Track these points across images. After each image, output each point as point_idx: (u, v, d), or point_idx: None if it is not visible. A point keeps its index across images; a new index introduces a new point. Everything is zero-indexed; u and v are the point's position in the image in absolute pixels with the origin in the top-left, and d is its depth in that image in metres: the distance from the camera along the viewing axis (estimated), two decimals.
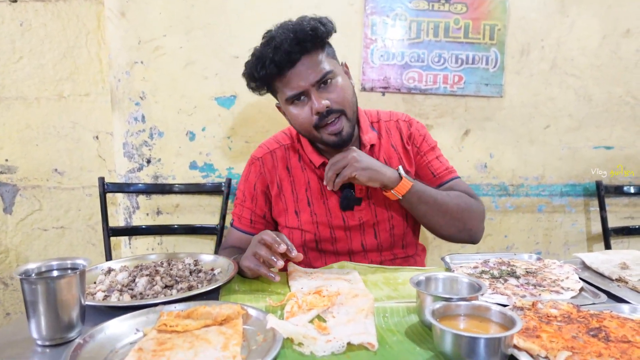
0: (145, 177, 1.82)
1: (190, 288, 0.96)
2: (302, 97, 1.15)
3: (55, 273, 0.83)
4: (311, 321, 0.82)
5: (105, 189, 1.73)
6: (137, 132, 1.79)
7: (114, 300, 0.91)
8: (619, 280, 1.03)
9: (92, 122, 1.90)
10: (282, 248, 0.98)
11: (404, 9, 1.81)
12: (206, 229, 1.82)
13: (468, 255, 1.21)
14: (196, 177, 1.84)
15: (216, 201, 1.86)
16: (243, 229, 1.34)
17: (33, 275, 0.81)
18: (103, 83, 1.88)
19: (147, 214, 1.85)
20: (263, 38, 1.17)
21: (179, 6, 1.73)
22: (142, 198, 1.84)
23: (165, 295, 0.93)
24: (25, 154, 1.89)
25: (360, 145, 1.28)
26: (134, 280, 0.99)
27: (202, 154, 1.83)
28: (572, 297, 0.93)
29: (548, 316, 0.80)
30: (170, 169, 1.83)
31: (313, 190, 1.29)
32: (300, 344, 0.74)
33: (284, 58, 1.10)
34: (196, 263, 1.13)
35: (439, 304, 0.75)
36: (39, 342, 0.76)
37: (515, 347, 0.69)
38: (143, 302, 0.88)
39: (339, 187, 1.14)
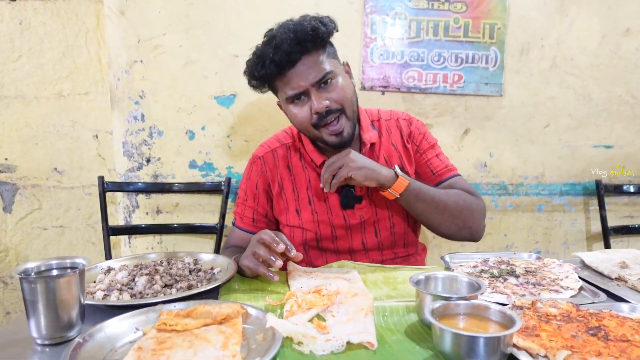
0: (144, 176, 1.82)
1: (189, 287, 0.96)
2: (302, 97, 1.16)
3: (54, 272, 0.83)
4: (311, 320, 0.82)
5: (105, 188, 1.73)
6: (136, 131, 1.79)
7: (114, 299, 0.91)
8: (619, 279, 1.03)
9: (92, 121, 1.90)
10: (281, 247, 0.98)
11: (403, 8, 1.81)
12: (206, 228, 1.82)
13: (468, 255, 1.21)
14: (196, 176, 1.84)
15: (216, 200, 1.86)
16: (245, 228, 1.34)
17: (32, 274, 0.81)
18: (102, 82, 1.88)
19: (147, 213, 1.85)
20: (264, 37, 1.17)
21: (178, 5, 1.73)
22: (141, 197, 1.84)
23: (164, 295, 0.93)
24: (24, 153, 1.89)
25: (361, 144, 1.28)
26: (134, 279, 0.99)
27: (202, 153, 1.83)
28: (572, 296, 0.93)
29: (547, 315, 0.80)
30: (170, 168, 1.83)
31: (314, 189, 1.29)
32: (299, 343, 0.74)
33: (284, 58, 1.10)
34: (196, 262, 1.13)
35: (438, 303, 0.75)
36: (39, 341, 0.76)
37: (514, 346, 0.69)
38: (143, 301, 0.88)
39: (335, 188, 1.14)
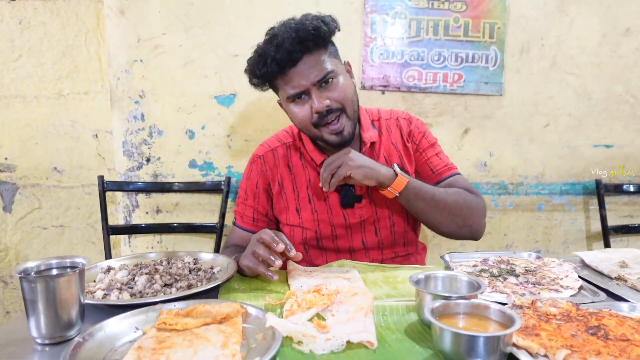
0: (144, 175, 1.82)
1: (189, 286, 0.96)
2: (302, 96, 1.16)
3: (54, 271, 0.83)
4: (310, 320, 0.82)
5: (105, 187, 1.73)
6: (136, 131, 1.79)
7: (114, 298, 0.91)
8: (618, 278, 1.03)
9: (92, 120, 1.90)
10: (281, 247, 0.98)
11: (403, 7, 1.80)
12: (206, 227, 1.82)
13: (467, 254, 1.21)
14: (196, 176, 1.84)
15: (216, 199, 1.86)
16: (245, 227, 1.34)
17: (32, 273, 0.81)
18: (102, 81, 1.88)
19: (147, 213, 1.85)
20: (266, 35, 1.17)
21: (178, 4, 1.73)
22: (141, 196, 1.84)
23: (164, 294, 0.93)
24: (24, 152, 1.89)
25: (361, 143, 1.28)
26: (134, 278, 0.99)
27: (202, 152, 1.83)
28: (572, 296, 0.93)
29: (547, 314, 0.80)
30: (170, 167, 1.83)
31: (314, 188, 1.29)
32: (299, 343, 0.74)
33: (285, 57, 1.10)
34: (196, 261, 1.13)
35: (438, 303, 0.75)
36: (39, 341, 0.76)
37: (514, 345, 0.69)
38: (142, 300, 0.88)
39: (334, 187, 1.13)
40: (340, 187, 1.25)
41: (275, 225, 1.37)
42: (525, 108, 1.93)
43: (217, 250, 1.79)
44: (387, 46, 1.83)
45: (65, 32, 1.85)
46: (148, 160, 1.81)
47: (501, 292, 0.92)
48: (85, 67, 1.87)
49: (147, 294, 0.93)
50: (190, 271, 1.06)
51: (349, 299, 0.90)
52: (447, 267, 1.13)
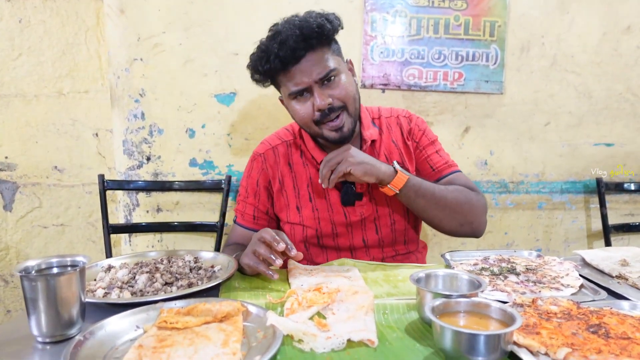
0: (145, 174, 1.82)
1: (190, 285, 0.96)
2: (304, 93, 1.16)
3: (55, 270, 0.83)
4: (311, 318, 0.82)
5: (105, 186, 1.73)
6: (136, 130, 1.79)
7: (114, 297, 0.91)
8: (619, 277, 1.03)
9: (92, 119, 1.90)
10: (281, 247, 0.98)
11: (404, 6, 1.80)
12: (206, 226, 1.82)
13: (468, 252, 1.21)
14: (196, 175, 1.84)
15: (216, 198, 1.86)
16: (246, 225, 1.34)
17: (33, 272, 0.81)
18: (102, 80, 1.88)
19: (147, 212, 1.85)
20: (269, 31, 1.17)
21: (178, 3, 1.73)
22: (142, 195, 1.84)
23: (165, 292, 0.93)
24: (24, 151, 1.89)
25: (362, 141, 1.28)
26: (134, 277, 0.99)
27: (202, 151, 1.83)
28: (572, 294, 0.93)
29: (548, 313, 0.80)
30: (170, 166, 1.83)
31: (315, 186, 1.29)
32: (300, 341, 0.74)
33: (288, 54, 1.10)
34: (196, 260, 1.13)
35: (438, 301, 0.75)
36: (39, 339, 0.76)
37: (515, 343, 0.69)
38: (143, 299, 0.88)
39: (333, 184, 1.13)
40: (341, 185, 1.25)
41: (276, 223, 1.37)
42: (525, 106, 1.93)
43: (217, 249, 1.79)
44: (388, 44, 1.83)
45: (65, 30, 1.84)
46: (148, 159, 1.81)
47: (502, 291, 0.92)
48: (85, 66, 1.87)
49: (148, 292, 0.93)
50: (190, 270, 1.06)
51: (349, 297, 0.90)
52: (448, 266, 1.13)
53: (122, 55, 1.74)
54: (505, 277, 1.01)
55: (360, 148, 1.27)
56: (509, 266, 1.08)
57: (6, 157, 1.89)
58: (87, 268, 0.86)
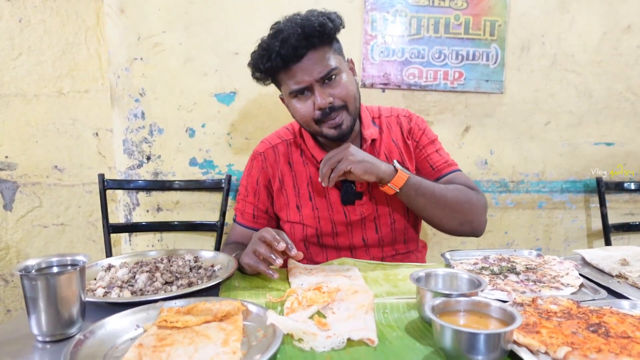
0: (145, 173, 1.82)
1: (190, 284, 0.96)
2: (305, 92, 1.16)
3: (55, 269, 0.83)
4: (311, 317, 0.82)
5: (105, 185, 1.73)
6: (136, 129, 1.79)
7: (114, 296, 0.91)
8: (619, 276, 1.03)
9: (92, 118, 1.90)
10: (282, 246, 0.98)
11: (404, 5, 1.80)
12: (206, 225, 1.82)
13: (468, 252, 1.21)
14: (196, 174, 1.84)
15: (216, 198, 1.86)
16: (246, 224, 1.34)
17: (33, 271, 0.81)
18: (102, 79, 1.88)
19: (147, 211, 1.85)
20: (270, 29, 1.17)
21: (178, 2, 1.73)
22: (142, 195, 1.84)
23: (165, 292, 0.93)
24: (25, 150, 1.89)
25: (362, 140, 1.28)
26: (134, 276, 0.99)
27: (202, 150, 1.83)
28: (572, 293, 0.93)
29: (548, 312, 0.80)
30: (170, 165, 1.83)
31: (315, 185, 1.29)
32: (300, 340, 0.74)
33: (290, 52, 1.10)
34: (196, 259, 1.13)
35: (438, 300, 0.75)
36: (40, 338, 0.76)
37: (515, 342, 0.69)
38: (143, 298, 0.88)
39: (333, 182, 1.13)
40: (341, 184, 1.25)
41: (276, 222, 1.37)
42: (525, 106, 1.93)
43: (217, 248, 1.79)
44: (388, 44, 1.83)
45: (65, 30, 1.84)
46: (148, 158, 1.81)
47: (502, 290, 0.92)
48: (85, 65, 1.87)
49: (148, 291, 0.93)
50: (190, 269, 1.06)
51: (349, 296, 0.90)
52: (448, 265, 1.13)
53: (122, 54, 1.74)
54: (505, 277, 1.01)
55: (360, 147, 1.27)
56: (509, 265, 1.08)
57: (6, 157, 1.89)
58: (87, 267, 0.85)
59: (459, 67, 1.86)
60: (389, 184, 1.14)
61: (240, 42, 1.76)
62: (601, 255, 1.15)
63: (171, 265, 1.06)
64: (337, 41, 1.20)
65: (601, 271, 1.08)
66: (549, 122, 1.96)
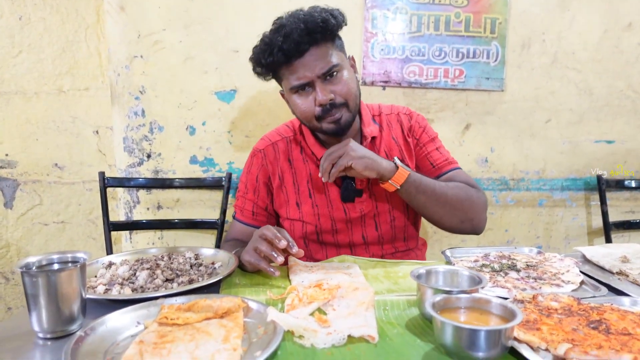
0: (145, 171, 1.82)
1: (191, 281, 0.96)
2: (306, 88, 1.15)
3: (56, 266, 0.83)
4: (312, 314, 0.82)
5: (106, 183, 1.73)
6: (137, 127, 1.79)
7: (115, 293, 0.91)
8: (620, 273, 1.03)
9: (92, 116, 1.90)
10: (283, 244, 0.98)
11: (404, 3, 1.80)
12: (207, 223, 1.82)
13: (468, 249, 1.21)
14: (196, 172, 1.84)
15: (217, 196, 1.86)
16: (245, 221, 1.34)
17: (34, 268, 0.81)
18: (102, 77, 1.88)
19: (148, 209, 1.85)
20: (273, 25, 1.16)
21: (178, 0, 1.72)
22: (142, 193, 1.84)
23: (166, 289, 0.93)
24: (25, 148, 1.89)
25: (362, 138, 1.28)
26: (135, 273, 0.99)
27: (203, 148, 1.83)
28: (573, 290, 0.93)
29: (548, 309, 0.80)
30: (171, 163, 1.83)
31: (314, 182, 1.29)
32: (300, 337, 0.74)
33: (292, 47, 1.09)
34: (197, 257, 1.13)
35: (439, 297, 0.75)
36: (40, 335, 0.76)
37: (515, 339, 0.69)
38: (144, 295, 0.88)
39: (334, 178, 1.13)
40: (341, 181, 1.25)
41: (275, 219, 1.37)
42: (526, 104, 1.93)
43: (218, 246, 1.79)
44: (388, 42, 1.82)
45: (65, 28, 1.84)
46: (149, 156, 1.81)
47: (502, 287, 0.92)
48: (85, 63, 1.87)
49: (149, 289, 0.93)
50: (191, 266, 1.06)
51: (350, 293, 0.90)
52: (448, 263, 1.13)
53: (122, 52, 1.74)
54: (506, 274, 1.01)
55: (361, 144, 1.27)
56: (509, 263, 1.08)
57: (6, 155, 1.89)
58: (87, 265, 0.86)
59: (459, 64, 1.85)
60: (389, 181, 1.14)
61: (241, 40, 1.76)
62: (602, 252, 1.15)
63: (172, 263, 1.06)
64: (339, 38, 1.20)
65: (602, 268, 1.08)
66: (549, 119, 1.95)
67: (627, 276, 1.00)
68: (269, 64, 1.15)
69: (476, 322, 0.73)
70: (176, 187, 1.82)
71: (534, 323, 0.73)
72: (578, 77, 1.93)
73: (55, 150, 1.90)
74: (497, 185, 1.97)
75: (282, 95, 1.26)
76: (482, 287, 0.83)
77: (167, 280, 0.98)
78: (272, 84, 1.27)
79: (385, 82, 1.85)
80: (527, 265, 1.07)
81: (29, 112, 1.87)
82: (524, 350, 0.67)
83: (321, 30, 1.10)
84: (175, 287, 0.94)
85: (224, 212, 1.79)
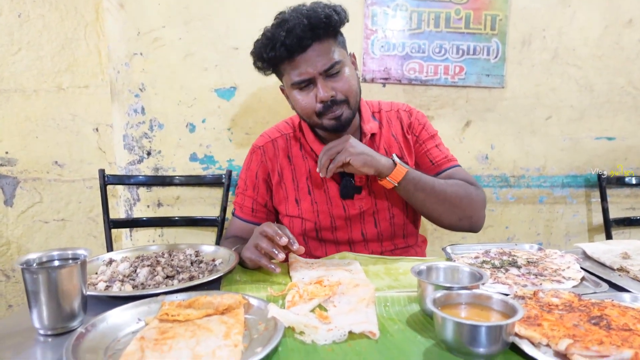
0: (145, 169, 1.82)
1: (191, 278, 0.96)
2: (308, 84, 1.15)
3: (56, 263, 0.83)
4: (312, 310, 0.82)
5: (106, 181, 1.73)
6: (137, 124, 1.79)
7: (116, 290, 0.91)
8: (621, 269, 1.03)
9: (92, 114, 1.90)
10: (284, 241, 0.98)
11: None
12: (207, 220, 1.82)
13: (469, 246, 1.21)
14: (196, 169, 1.84)
15: (217, 193, 1.86)
16: (245, 217, 1.34)
17: (34, 265, 0.81)
18: (102, 75, 1.88)
19: (148, 206, 1.85)
20: (275, 19, 1.15)
21: None
22: (142, 190, 1.84)
23: (166, 286, 0.93)
24: (25, 146, 1.89)
25: (361, 134, 1.28)
26: (135, 270, 0.99)
27: (203, 145, 1.83)
28: (574, 287, 0.93)
29: (549, 305, 0.79)
30: (171, 160, 1.82)
31: (314, 179, 1.28)
32: (301, 333, 0.74)
33: (295, 43, 1.09)
34: (197, 254, 1.13)
35: (440, 293, 0.75)
36: (41, 332, 0.76)
37: (516, 335, 0.69)
38: (144, 292, 0.88)
39: (332, 174, 1.12)
40: (340, 178, 1.25)
41: (275, 216, 1.37)
42: (526, 100, 1.92)
43: (218, 243, 1.79)
44: (388, 38, 1.82)
45: (65, 25, 1.83)
46: (149, 153, 1.81)
47: (503, 283, 0.92)
48: (84, 61, 1.87)
49: (149, 285, 0.93)
50: (192, 263, 1.06)
51: (350, 290, 0.90)
52: (449, 259, 1.13)
53: (122, 49, 1.74)
54: (507, 270, 1.01)
55: (360, 141, 1.26)
56: (510, 259, 1.08)
57: (6, 152, 1.89)
58: (88, 262, 0.86)
59: (459, 61, 1.85)
60: (387, 178, 1.14)
61: (241, 37, 1.75)
62: (602, 249, 1.15)
63: (172, 260, 1.06)
64: (341, 34, 1.20)
65: (602, 265, 1.08)
66: (550, 116, 1.95)
67: (628, 272, 1.00)
68: (270, 59, 1.14)
69: (477, 318, 0.73)
70: (176, 185, 1.82)
71: (535, 319, 0.73)
72: (579, 74, 1.93)
73: (55, 148, 1.90)
74: (497, 182, 1.97)
75: (282, 90, 1.26)
76: (483, 284, 0.83)
77: (167, 277, 0.98)
78: (272, 81, 1.27)
79: (386, 79, 1.84)
80: (528, 261, 1.07)
81: (28, 109, 1.87)
82: (525, 346, 0.67)
83: (324, 26, 1.10)
84: (175, 284, 0.94)
85: (224, 209, 1.79)
